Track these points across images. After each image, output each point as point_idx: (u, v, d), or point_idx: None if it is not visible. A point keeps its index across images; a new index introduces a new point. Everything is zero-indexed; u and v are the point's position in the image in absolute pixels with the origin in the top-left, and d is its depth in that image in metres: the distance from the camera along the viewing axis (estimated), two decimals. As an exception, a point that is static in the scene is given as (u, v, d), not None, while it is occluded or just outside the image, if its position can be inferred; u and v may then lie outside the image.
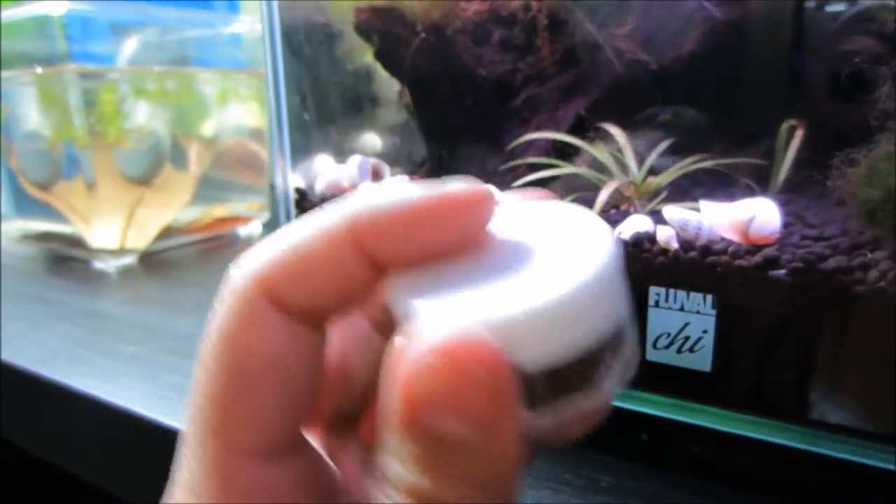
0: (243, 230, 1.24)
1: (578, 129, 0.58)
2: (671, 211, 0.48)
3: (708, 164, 0.55)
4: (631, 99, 0.58)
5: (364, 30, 0.60)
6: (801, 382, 0.45)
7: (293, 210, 0.65)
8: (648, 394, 0.50)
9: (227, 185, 1.25)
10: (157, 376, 0.66)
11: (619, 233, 0.49)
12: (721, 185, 0.58)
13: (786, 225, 0.50)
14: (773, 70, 0.55)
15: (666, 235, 0.47)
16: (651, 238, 0.48)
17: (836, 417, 0.44)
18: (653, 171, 0.58)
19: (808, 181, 0.51)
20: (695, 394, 0.48)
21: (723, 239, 0.47)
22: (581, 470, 0.50)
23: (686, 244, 0.47)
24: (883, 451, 0.43)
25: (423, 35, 0.56)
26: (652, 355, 0.49)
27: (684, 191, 0.59)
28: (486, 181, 0.57)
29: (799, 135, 0.55)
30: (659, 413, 0.50)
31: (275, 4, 0.57)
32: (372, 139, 0.70)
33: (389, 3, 0.56)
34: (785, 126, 0.54)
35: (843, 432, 0.44)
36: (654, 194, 0.55)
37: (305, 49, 0.62)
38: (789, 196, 0.55)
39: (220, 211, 1.20)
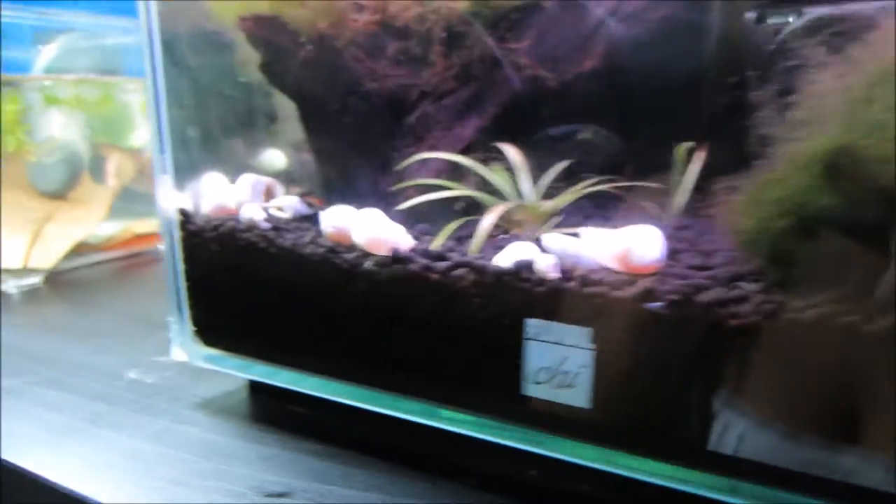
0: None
1: (476, 147, 0.57)
2: (551, 239, 0.47)
3: (604, 187, 0.53)
4: (530, 117, 0.56)
5: (252, 40, 0.58)
6: (681, 420, 0.43)
7: (176, 232, 0.63)
8: (531, 430, 0.48)
9: (151, 199, 1.22)
10: (27, 413, 0.62)
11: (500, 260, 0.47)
12: (625, 209, 0.57)
13: (676, 252, 0.49)
14: (677, 89, 0.54)
15: (545, 265, 0.46)
16: (531, 267, 0.46)
17: (719, 457, 0.43)
18: (549, 195, 0.56)
19: (708, 206, 0.50)
20: (575, 431, 0.46)
21: (605, 268, 0.46)
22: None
23: (566, 274, 0.45)
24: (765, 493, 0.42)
25: (309, 47, 0.54)
26: (529, 390, 0.47)
27: (587, 214, 0.58)
28: (377, 203, 0.55)
29: (700, 157, 0.54)
30: (543, 452, 0.48)
31: (152, 6, 0.55)
32: (272, 156, 0.68)
33: (274, 11, 0.55)
34: (682, 149, 0.53)
35: (728, 473, 0.43)
36: (549, 218, 0.53)
37: (190, 59, 0.60)
38: (689, 221, 0.54)
39: (140, 226, 1.16)
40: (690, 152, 0.53)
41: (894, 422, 0.37)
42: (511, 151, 0.55)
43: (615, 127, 0.56)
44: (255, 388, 0.68)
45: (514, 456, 0.50)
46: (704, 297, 0.41)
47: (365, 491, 0.50)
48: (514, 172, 0.54)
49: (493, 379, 0.49)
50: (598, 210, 0.58)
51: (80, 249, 1.08)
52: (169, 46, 0.58)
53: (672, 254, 0.49)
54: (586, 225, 0.54)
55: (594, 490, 0.49)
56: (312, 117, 0.58)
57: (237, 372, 0.65)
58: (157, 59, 0.56)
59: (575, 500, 0.48)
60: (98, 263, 1.11)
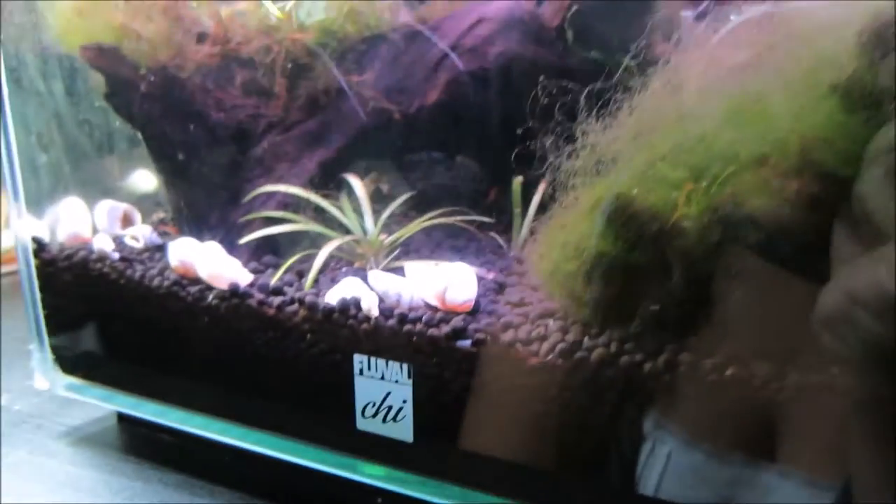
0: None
1: (324, 178, 0.58)
2: (375, 277, 0.48)
3: (442, 220, 0.55)
4: (375, 148, 0.58)
5: (96, 69, 0.57)
6: (494, 455, 0.46)
7: (31, 260, 0.62)
8: (366, 463, 0.50)
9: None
10: None
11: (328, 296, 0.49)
12: (472, 239, 0.59)
13: (503, 287, 0.51)
14: (511, 124, 0.56)
15: (369, 302, 0.47)
16: (357, 304, 0.48)
17: (530, 488, 0.45)
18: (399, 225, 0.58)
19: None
20: (402, 464, 0.48)
21: (427, 305, 0.48)
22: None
23: (385, 312, 0.47)
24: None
25: (151, 78, 0.54)
26: (361, 424, 0.48)
27: (436, 245, 0.59)
28: (226, 234, 0.55)
29: (541, 189, 0.56)
30: (380, 484, 0.50)
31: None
32: (138, 179, 0.68)
33: (115, 41, 0.54)
34: (517, 183, 0.55)
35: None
36: (389, 251, 0.55)
37: (39, 83, 0.59)
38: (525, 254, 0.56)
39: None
40: (528, 185, 0.55)
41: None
42: (356, 184, 0.56)
43: (460, 158, 0.58)
44: (122, 415, 0.68)
45: (360, 485, 0.51)
46: (509, 335, 0.44)
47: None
48: (359, 205, 0.55)
49: (330, 413, 0.50)
50: (449, 240, 0.59)
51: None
52: (14, 71, 0.58)
53: (500, 288, 0.51)
54: (436, 255, 0.56)
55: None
56: (158, 148, 0.58)
57: (99, 402, 0.64)
58: (3, 82, 0.55)
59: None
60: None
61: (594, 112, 0.42)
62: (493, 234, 0.57)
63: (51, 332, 0.64)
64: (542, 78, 0.47)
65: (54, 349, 0.65)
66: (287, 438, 0.52)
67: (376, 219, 0.55)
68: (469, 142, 0.58)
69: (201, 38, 0.55)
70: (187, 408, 0.58)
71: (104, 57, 0.55)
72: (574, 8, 0.57)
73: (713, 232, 0.37)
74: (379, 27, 0.58)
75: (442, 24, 0.59)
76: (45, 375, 0.66)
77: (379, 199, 0.61)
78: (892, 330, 0.30)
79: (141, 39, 0.53)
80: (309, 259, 0.54)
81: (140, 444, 0.64)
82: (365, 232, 0.55)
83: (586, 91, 0.43)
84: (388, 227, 0.57)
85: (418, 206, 0.59)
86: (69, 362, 0.65)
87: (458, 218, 0.55)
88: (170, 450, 0.62)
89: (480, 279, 0.52)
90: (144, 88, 0.55)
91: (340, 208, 0.55)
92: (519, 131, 0.51)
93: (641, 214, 0.39)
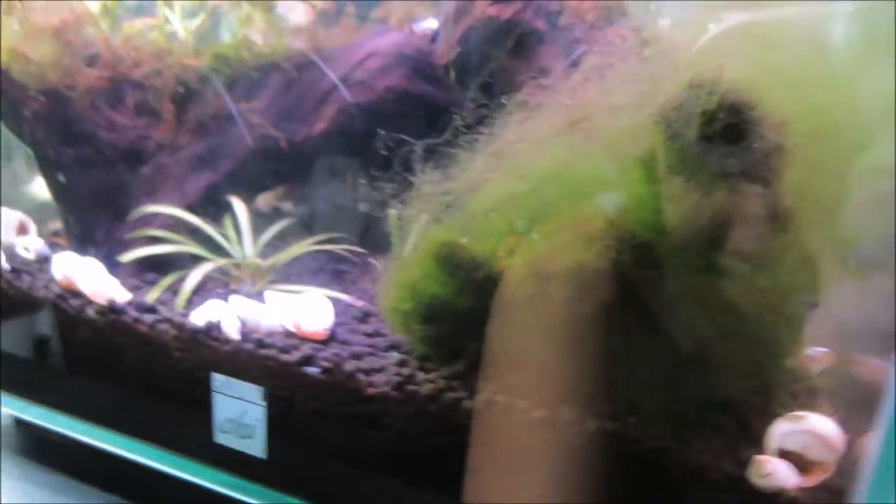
0: None
1: (210, 200, 0.61)
2: (237, 301, 0.51)
3: (315, 248, 0.59)
4: (259, 174, 0.61)
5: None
6: (341, 471, 0.49)
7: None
8: (226, 474, 0.53)
9: None
10: None
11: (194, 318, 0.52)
12: (356, 266, 0.63)
13: (367, 316, 0.55)
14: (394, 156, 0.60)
15: (230, 325, 0.50)
16: (219, 327, 0.51)
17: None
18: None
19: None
20: (255, 478, 0.52)
21: (285, 331, 0.51)
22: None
23: (244, 336, 0.50)
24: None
25: (41, 98, 0.57)
26: (219, 438, 0.52)
27: (319, 269, 0.63)
28: (109, 251, 0.58)
29: (417, 219, 0.60)
30: (234, 494, 0.53)
31: None
32: (36, 191, 0.70)
33: (5, 62, 0.56)
34: (393, 214, 0.59)
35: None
36: (265, 275, 0.58)
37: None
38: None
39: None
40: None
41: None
42: (239, 207, 0.59)
43: (338, 185, 0.62)
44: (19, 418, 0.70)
45: (217, 494, 0.54)
46: (352, 365, 0.47)
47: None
48: (239, 228, 0.58)
49: (192, 426, 0.54)
50: (332, 263, 0.63)
51: None
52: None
53: (364, 317, 0.55)
54: (315, 279, 0.60)
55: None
56: (48, 165, 0.61)
57: (-11, 403, 0.67)
58: None
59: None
60: None
61: (436, 160, 0.46)
62: (374, 260, 0.61)
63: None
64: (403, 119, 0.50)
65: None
66: (154, 447, 0.55)
67: (257, 241, 0.59)
68: (356, 171, 0.62)
69: (91, 61, 0.58)
70: (71, 413, 0.61)
71: (-5, 76, 0.58)
72: (459, 50, 0.61)
73: (529, 283, 0.41)
74: (273, 56, 0.61)
75: (334, 55, 0.62)
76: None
77: (275, 218, 0.65)
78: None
79: (30, 62, 0.55)
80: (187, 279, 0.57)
81: (32, 445, 0.66)
82: (244, 255, 0.58)
83: (429, 142, 0.46)
84: (276, 249, 0.61)
85: (305, 230, 0.63)
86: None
87: (334, 246, 0.58)
88: (58, 451, 0.64)
89: (349, 307, 0.56)
90: (33, 109, 0.57)
91: (222, 231, 0.58)
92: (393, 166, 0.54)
93: (469, 261, 0.43)
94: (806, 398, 0.45)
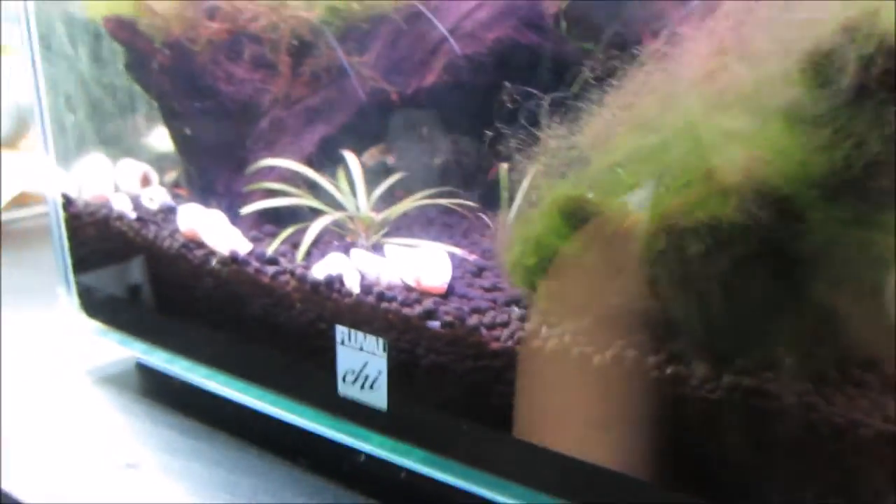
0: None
1: (323, 154, 0.63)
2: (357, 255, 0.53)
3: (430, 202, 0.59)
4: (370, 128, 0.62)
5: (116, 40, 0.62)
6: (461, 424, 0.51)
7: (60, 213, 0.69)
8: (347, 424, 0.56)
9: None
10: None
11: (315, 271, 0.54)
12: (462, 219, 0.63)
13: (482, 270, 0.56)
14: (506, 108, 0.59)
15: (350, 279, 0.52)
16: (341, 279, 0.53)
17: (496, 459, 0.51)
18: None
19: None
20: (377, 428, 0.54)
21: (404, 285, 0.53)
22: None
23: (366, 289, 0.52)
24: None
25: (165, 51, 0.59)
26: (342, 389, 0.54)
27: (428, 222, 0.64)
28: (230, 203, 0.61)
29: (529, 177, 0.60)
30: (357, 443, 0.56)
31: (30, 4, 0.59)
32: (155, 142, 0.74)
33: (134, 14, 0.59)
34: (504, 167, 0.59)
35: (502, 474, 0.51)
36: (380, 228, 0.60)
37: (67, 48, 0.64)
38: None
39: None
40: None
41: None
42: (352, 160, 0.61)
43: (454, 139, 0.62)
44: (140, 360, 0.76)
45: (340, 444, 0.57)
46: (474, 319, 0.48)
47: (209, 467, 0.59)
48: (353, 181, 0.60)
49: (313, 376, 0.56)
50: (442, 217, 0.64)
51: (24, 200, 1.10)
52: (46, 35, 0.63)
53: (479, 271, 0.56)
54: (426, 232, 0.61)
55: (411, 478, 0.56)
56: (171, 117, 0.64)
57: (118, 345, 0.72)
58: (35, 46, 0.61)
59: (395, 486, 0.56)
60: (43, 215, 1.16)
61: (564, 112, 0.46)
62: (483, 214, 0.62)
63: (76, 279, 0.72)
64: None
65: (79, 294, 0.73)
66: (280, 395, 0.59)
67: (370, 195, 0.60)
68: (465, 124, 0.62)
69: (212, 14, 0.60)
70: (194, 359, 0.65)
71: (123, 29, 0.61)
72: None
73: (659, 239, 0.41)
74: (382, 7, 0.62)
75: (443, 5, 0.62)
76: (70, 318, 0.74)
77: (383, 172, 0.66)
78: None
79: (156, 15, 0.58)
80: (305, 231, 0.59)
81: (154, 387, 0.72)
82: (357, 208, 0.60)
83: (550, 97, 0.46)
84: (387, 202, 0.62)
85: (416, 184, 0.64)
86: (91, 308, 0.73)
87: (446, 201, 0.59)
88: (180, 395, 0.69)
89: (462, 261, 0.57)
90: (158, 62, 0.60)
91: (336, 184, 0.60)
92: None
93: (596, 216, 0.43)
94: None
